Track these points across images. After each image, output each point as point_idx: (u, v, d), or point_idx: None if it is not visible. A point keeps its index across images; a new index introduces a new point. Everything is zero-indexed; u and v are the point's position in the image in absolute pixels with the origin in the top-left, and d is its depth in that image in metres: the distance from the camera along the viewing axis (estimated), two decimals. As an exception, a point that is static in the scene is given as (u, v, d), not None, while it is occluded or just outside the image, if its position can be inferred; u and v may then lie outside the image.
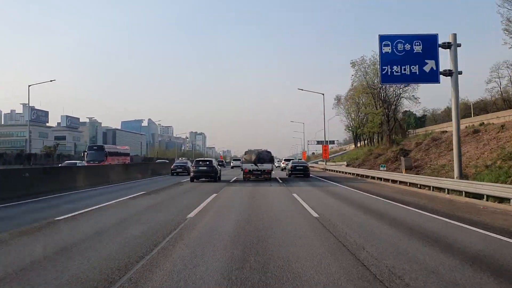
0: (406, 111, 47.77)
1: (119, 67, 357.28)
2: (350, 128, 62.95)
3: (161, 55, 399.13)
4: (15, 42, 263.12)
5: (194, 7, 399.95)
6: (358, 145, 65.50)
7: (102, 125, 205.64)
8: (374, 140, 54.99)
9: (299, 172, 30.10)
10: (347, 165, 44.84)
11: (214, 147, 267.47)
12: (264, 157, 25.92)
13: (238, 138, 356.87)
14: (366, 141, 60.05)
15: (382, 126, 45.99)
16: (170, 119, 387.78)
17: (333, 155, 76.22)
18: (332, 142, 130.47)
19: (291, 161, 37.14)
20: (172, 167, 33.99)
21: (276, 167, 40.50)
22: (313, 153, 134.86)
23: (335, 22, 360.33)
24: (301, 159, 76.83)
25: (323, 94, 48.26)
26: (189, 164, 31.76)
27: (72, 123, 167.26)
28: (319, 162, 60.17)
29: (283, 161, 50.51)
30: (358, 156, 47.65)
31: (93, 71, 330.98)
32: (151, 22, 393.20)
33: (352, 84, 46.15)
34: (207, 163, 25.08)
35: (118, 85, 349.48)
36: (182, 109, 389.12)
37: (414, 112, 52.81)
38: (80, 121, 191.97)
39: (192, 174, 24.26)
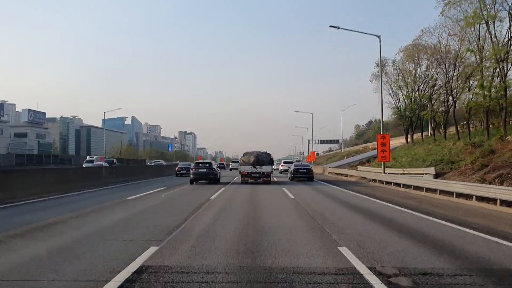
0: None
1: (118, 67, 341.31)
2: (401, 111, 39.37)
3: (156, 54, 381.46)
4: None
5: (193, 5, 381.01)
6: (409, 137, 41.71)
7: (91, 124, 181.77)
8: (454, 128, 31.51)
9: (302, 176, 28.07)
10: (437, 175, 21.93)
11: (205, 148, 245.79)
12: (263, 159, 24.10)
13: (232, 139, 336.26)
14: (438, 130, 36.36)
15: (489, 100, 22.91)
16: (161, 118, 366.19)
17: (361, 157, 53.15)
18: (336, 141, 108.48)
19: (294, 163, 34.23)
20: (176, 168, 35.92)
21: (275, 169, 35.98)
22: (317, 154, 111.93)
23: (330, 19, 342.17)
24: (299, 161, 62.97)
25: (379, 37, 25.37)
26: (193, 165, 27.53)
27: (36, 118, 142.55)
28: (359, 168, 36.85)
29: (282, 164, 46.51)
30: (442, 157, 24.85)
31: (92, 71, 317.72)
32: (151, 21, 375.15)
33: (443, 12, 23.46)
34: (207, 165, 24.48)
35: (118, 85, 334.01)
36: (175, 109, 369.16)
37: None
38: (53, 116, 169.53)
39: (191, 176, 23.68)
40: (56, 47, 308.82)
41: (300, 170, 28.33)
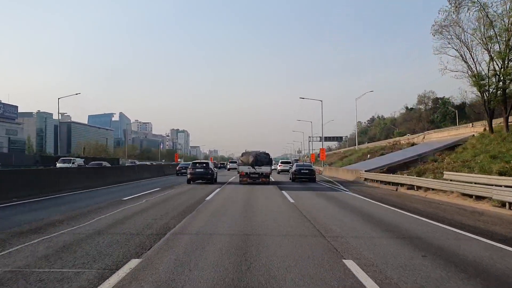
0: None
1: (118, 67, 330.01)
2: (483, 80, 24.12)
3: (156, 54, 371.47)
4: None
5: (193, 5, 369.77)
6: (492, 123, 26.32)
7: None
8: None
9: (305, 176, 27.26)
10: None
11: (198, 147, 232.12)
12: (262, 159, 23.82)
13: (230, 139, 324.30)
14: None
15: None
16: (160, 118, 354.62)
17: (404, 156, 38.40)
18: (340, 138, 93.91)
19: (295, 164, 32.20)
20: (177, 168, 37.08)
21: (273, 169, 30.88)
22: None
23: (331, 20, 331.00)
24: (298, 160, 61.19)
25: None
26: (190, 165, 27.69)
27: (6, 111, 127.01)
28: (447, 174, 20.64)
29: (279, 164, 45.88)
30: None
31: (92, 71, 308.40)
32: (151, 21, 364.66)
33: None
34: (204, 165, 24.88)
35: (118, 85, 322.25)
36: (174, 109, 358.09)
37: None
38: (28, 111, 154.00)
39: (188, 176, 24.15)
40: (56, 47, 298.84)
41: (302, 171, 27.44)
